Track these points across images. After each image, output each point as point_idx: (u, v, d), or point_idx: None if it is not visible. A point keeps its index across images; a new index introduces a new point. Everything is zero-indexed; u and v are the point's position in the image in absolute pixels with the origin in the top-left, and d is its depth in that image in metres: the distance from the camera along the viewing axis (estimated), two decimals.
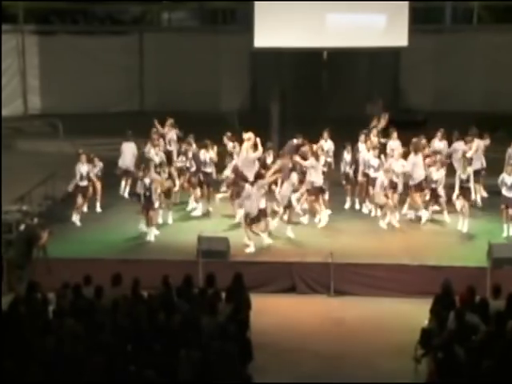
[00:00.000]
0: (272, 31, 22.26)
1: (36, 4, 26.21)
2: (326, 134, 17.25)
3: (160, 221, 15.82)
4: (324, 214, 15.75)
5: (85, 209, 16.51)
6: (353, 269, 13.87)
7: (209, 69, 25.43)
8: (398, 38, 21.99)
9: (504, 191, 14.97)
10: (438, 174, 15.58)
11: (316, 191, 15.79)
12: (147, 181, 15.12)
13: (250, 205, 14.46)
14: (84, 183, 16.26)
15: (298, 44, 22.20)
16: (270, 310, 12.96)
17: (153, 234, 15.15)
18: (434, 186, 15.55)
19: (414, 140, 16.56)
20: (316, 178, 15.67)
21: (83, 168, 16.34)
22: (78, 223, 15.95)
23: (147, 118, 24.67)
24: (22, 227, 13.98)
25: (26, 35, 25.75)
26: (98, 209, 16.85)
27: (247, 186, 14.78)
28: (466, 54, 24.29)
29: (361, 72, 25.26)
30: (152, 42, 26.24)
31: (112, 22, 27.57)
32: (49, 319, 10.49)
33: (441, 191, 15.63)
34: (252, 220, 14.47)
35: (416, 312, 12.14)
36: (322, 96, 24.55)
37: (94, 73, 25.28)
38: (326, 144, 17.18)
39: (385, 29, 22.08)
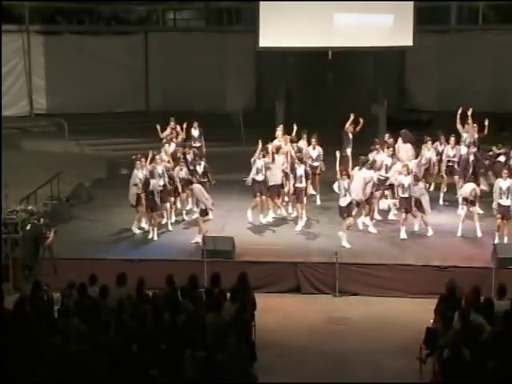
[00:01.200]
0: (277, 31, 22.32)
1: (42, 4, 26.30)
2: (314, 141, 17.00)
3: (164, 221, 15.83)
4: (270, 214, 16.03)
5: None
6: (357, 269, 13.87)
7: (214, 69, 25.46)
8: (404, 37, 22.03)
9: (499, 199, 14.56)
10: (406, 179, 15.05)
11: (272, 190, 15.85)
12: (153, 182, 15.15)
13: None
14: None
15: (303, 44, 22.24)
16: (274, 310, 12.98)
17: (155, 233, 15.16)
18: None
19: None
20: (271, 177, 15.77)
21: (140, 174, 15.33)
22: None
23: (152, 118, 24.85)
24: (28, 227, 14.01)
25: (31, 35, 25.84)
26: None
27: None
28: (472, 53, 24.26)
29: (366, 72, 25.24)
30: (157, 42, 26.28)
31: (117, 22, 27.62)
32: (54, 319, 10.52)
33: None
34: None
35: (421, 312, 12.14)
36: (327, 96, 24.53)
37: (100, 73, 25.34)
38: (314, 152, 16.98)
39: (390, 29, 22.11)
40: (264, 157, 15.91)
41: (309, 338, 12.24)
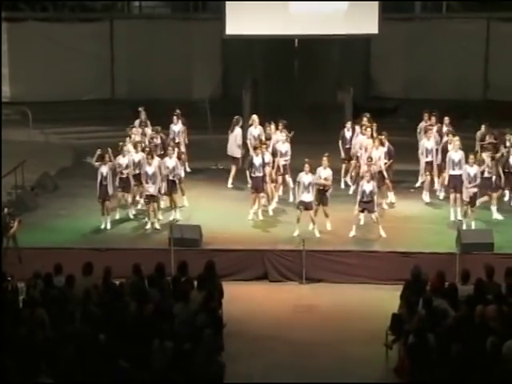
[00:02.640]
0: (243, 19, 22.23)
1: None
2: (283, 129, 16.93)
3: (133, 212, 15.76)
4: None
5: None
6: (324, 256, 13.95)
7: (180, 56, 25.27)
8: (369, 26, 22.09)
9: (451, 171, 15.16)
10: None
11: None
12: (104, 169, 15.09)
13: None
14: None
15: (269, 32, 22.20)
16: (242, 298, 13.00)
17: (109, 222, 15.06)
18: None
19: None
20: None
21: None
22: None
23: (118, 106, 24.64)
24: None
25: None
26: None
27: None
28: (436, 42, 24.41)
29: (332, 60, 25.28)
30: (123, 30, 25.99)
31: (82, 9, 27.23)
32: (19, 309, 10.41)
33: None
34: None
35: (387, 298, 12.26)
36: (293, 84, 24.55)
37: (64, 60, 24.99)
38: (284, 146, 16.87)
39: (356, 17, 22.16)
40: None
41: (276, 325, 12.28)
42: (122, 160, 15.53)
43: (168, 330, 9.70)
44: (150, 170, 15.15)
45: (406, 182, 17.70)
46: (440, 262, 13.07)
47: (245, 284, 13.68)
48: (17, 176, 17.03)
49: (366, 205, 14.55)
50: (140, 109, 18.13)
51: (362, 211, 14.67)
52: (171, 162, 15.58)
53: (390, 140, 16.86)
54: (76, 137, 22.69)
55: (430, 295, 10.54)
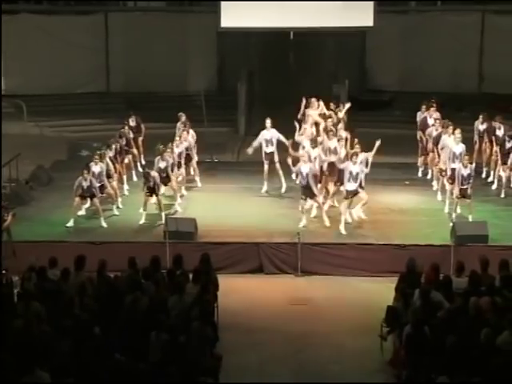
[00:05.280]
0: (238, 12, 22.23)
1: None
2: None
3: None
4: None
5: None
6: (319, 248, 13.97)
7: (175, 49, 25.25)
8: (364, 18, 22.11)
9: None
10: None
11: None
12: (97, 169, 15.10)
13: None
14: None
15: (265, 25, 22.20)
16: (237, 291, 13.02)
17: (103, 221, 14.99)
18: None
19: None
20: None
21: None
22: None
23: (113, 99, 24.61)
24: None
25: None
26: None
27: None
28: (432, 34, 24.43)
29: (327, 52, 25.29)
30: (118, 23, 25.95)
31: (77, 1, 27.18)
32: (14, 302, 10.41)
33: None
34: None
35: (382, 291, 12.30)
36: (288, 76, 24.53)
37: (59, 53, 24.95)
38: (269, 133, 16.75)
39: (351, 9, 22.15)
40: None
41: (271, 318, 12.29)
42: (162, 163, 15.42)
43: (163, 322, 9.71)
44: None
45: (400, 174, 17.75)
46: (435, 254, 13.11)
47: (240, 277, 13.69)
48: (11, 169, 16.99)
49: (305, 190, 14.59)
50: (180, 114, 17.97)
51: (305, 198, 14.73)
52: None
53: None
54: (71, 130, 22.67)
55: (426, 287, 10.56)
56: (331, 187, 15.28)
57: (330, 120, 16.39)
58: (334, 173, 15.20)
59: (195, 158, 17.18)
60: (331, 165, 15.25)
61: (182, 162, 16.43)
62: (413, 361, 9.39)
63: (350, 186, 14.44)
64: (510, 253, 12.89)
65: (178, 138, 16.81)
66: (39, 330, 9.32)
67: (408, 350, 9.63)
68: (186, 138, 16.80)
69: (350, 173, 14.41)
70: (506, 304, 10.07)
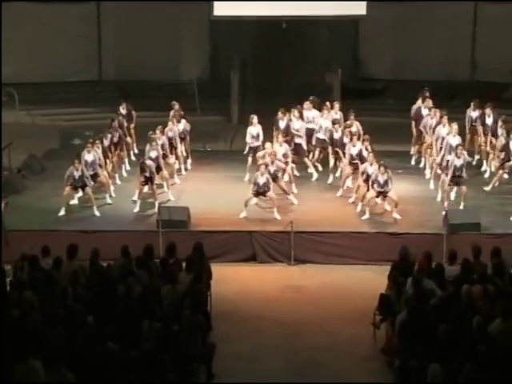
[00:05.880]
0: (231, 0, 22.15)
1: None
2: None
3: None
4: None
5: None
6: (312, 237, 13.99)
7: (168, 38, 25.14)
8: (357, 7, 22.08)
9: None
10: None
11: None
12: (90, 157, 15.05)
13: None
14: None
15: (257, 13, 22.15)
16: (230, 279, 13.03)
17: (96, 210, 14.93)
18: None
19: None
20: None
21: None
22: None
23: (106, 88, 24.50)
24: None
25: None
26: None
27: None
28: (424, 23, 24.40)
29: (320, 41, 25.22)
30: (110, 11, 25.82)
31: None
32: (6, 291, 10.39)
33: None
34: None
35: (375, 279, 12.32)
36: (281, 65, 24.49)
37: (51, 41, 24.81)
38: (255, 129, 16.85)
39: None
40: None
41: (265, 306, 12.32)
42: (152, 153, 15.49)
43: (156, 311, 9.72)
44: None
45: (393, 163, 17.74)
46: (427, 242, 13.13)
47: (233, 265, 13.70)
48: (3, 158, 16.93)
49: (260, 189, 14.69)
50: (174, 102, 17.95)
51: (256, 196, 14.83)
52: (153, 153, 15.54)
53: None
54: (63, 118, 22.59)
55: (419, 275, 10.60)
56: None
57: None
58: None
59: (179, 147, 17.11)
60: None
61: (167, 152, 16.34)
62: (405, 348, 9.43)
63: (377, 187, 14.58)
64: (502, 240, 12.97)
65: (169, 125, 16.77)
66: (32, 319, 9.31)
67: (400, 338, 9.68)
68: (171, 128, 16.77)
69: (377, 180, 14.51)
70: (498, 292, 10.12)
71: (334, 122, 16.61)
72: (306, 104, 17.26)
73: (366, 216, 14.53)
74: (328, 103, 17.42)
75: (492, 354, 8.57)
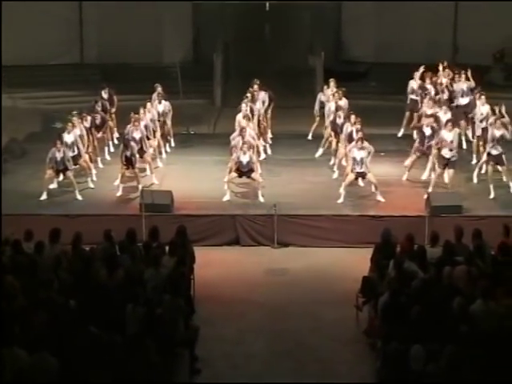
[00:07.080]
0: None
1: None
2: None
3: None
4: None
5: None
6: (295, 220, 14.01)
7: (151, 20, 24.96)
8: None
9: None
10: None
11: None
12: (70, 138, 14.98)
13: None
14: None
15: None
16: (214, 263, 13.05)
17: (77, 193, 14.85)
18: None
19: None
20: None
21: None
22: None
23: (88, 71, 24.32)
24: None
25: None
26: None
27: None
28: (407, 6, 24.37)
29: (303, 24, 25.16)
30: None
31: None
32: None
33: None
34: None
35: (357, 261, 12.38)
36: (264, 48, 24.41)
37: (32, 24, 24.56)
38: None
39: None
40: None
41: (248, 289, 12.35)
42: (136, 134, 15.38)
43: (140, 295, 9.71)
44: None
45: (376, 146, 17.75)
46: (409, 224, 13.18)
47: (217, 249, 13.71)
48: None
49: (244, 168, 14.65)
50: (156, 84, 17.83)
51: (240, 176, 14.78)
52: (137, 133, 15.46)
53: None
54: (45, 101, 22.41)
55: (400, 257, 10.66)
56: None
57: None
58: None
59: (158, 131, 17.02)
60: None
61: (150, 134, 16.28)
62: (387, 330, 9.50)
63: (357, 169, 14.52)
64: (484, 222, 13.07)
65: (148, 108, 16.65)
66: (15, 304, 9.28)
67: (383, 320, 9.75)
68: (149, 110, 16.68)
69: (354, 158, 14.43)
70: (479, 273, 10.20)
71: (337, 109, 16.55)
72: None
73: (341, 200, 14.51)
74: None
75: (473, 334, 8.66)
